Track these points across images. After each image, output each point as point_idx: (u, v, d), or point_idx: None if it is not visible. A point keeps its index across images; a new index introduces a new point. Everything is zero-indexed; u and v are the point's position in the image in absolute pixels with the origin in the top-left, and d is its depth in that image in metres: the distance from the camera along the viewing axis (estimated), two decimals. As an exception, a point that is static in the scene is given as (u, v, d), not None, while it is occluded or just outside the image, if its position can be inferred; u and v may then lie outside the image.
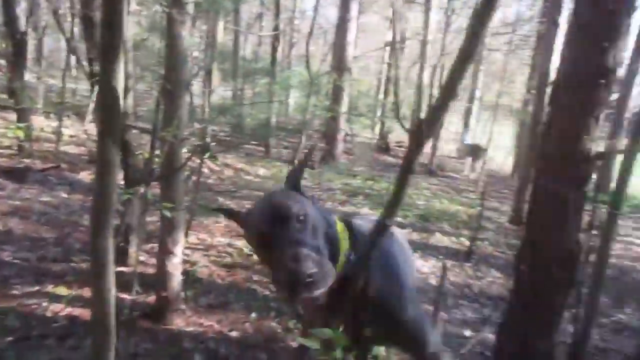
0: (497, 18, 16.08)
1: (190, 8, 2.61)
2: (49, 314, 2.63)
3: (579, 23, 2.18)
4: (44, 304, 2.70)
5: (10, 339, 2.35)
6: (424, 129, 1.26)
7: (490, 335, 3.04)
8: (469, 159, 11.94)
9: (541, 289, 2.49)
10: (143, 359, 2.41)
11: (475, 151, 11.34)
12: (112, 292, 1.14)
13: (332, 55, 8.80)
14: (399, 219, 5.90)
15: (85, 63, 8.17)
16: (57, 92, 9.53)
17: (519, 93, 15.27)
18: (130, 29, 2.88)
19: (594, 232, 3.51)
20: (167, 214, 2.30)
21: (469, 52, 1.19)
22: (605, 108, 2.22)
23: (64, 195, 4.40)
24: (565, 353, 3.30)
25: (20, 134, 4.69)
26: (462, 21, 12.10)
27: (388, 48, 14.45)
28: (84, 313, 2.69)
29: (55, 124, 6.93)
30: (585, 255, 3.49)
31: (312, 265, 1.17)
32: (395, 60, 10.12)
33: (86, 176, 4.99)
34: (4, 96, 8.51)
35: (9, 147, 5.28)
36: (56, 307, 2.70)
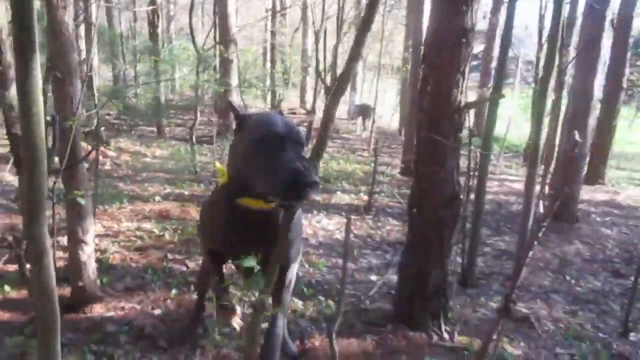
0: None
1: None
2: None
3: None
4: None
5: None
6: (340, 85, 1.47)
7: (393, 277, 3.39)
8: (360, 119, 12.49)
9: (431, 226, 2.85)
10: (68, 348, 2.43)
11: (365, 111, 11.87)
12: (53, 277, 1.21)
13: (215, 27, 8.65)
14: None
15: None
16: None
17: (398, 52, 16.07)
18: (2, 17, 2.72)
19: (472, 173, 4.00)
20: (82, 201, 2.30)
21: (369, 19, 1.40)
22: (468, 63, 2.57)
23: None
24: (457, 280, 3.80)
25: None
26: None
27: (270, 15, 14.42)
28: (-4, 315, 2.63)
29: None
30: (466, 194, 3.98)
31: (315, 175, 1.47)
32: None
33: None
34: None
35: None
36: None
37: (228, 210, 1.81)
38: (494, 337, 2.16)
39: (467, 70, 2.55)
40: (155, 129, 9.25)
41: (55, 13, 2.40)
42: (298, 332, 2.80)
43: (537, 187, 3.94)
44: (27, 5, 1.00)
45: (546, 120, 7.43)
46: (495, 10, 13.43)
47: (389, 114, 14.99)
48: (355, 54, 1.49)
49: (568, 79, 7.01)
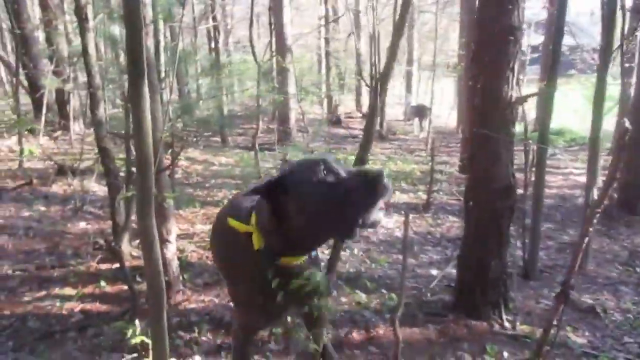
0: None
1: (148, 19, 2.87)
2: (64, 312, 2.90)
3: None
4: (58, 304, 2.97)
5: (35, 337, 2.62)
6: (381, 86, 1.64)
7: (453, 270, 3.50)
8: (416, 120, 12.51)
9: (487, 218, 2.94)
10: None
11: (421, 111, 11.89)
12: (160, 260, 1.47)
13: (272, 38, 9.03)
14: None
15: (22, 78, 8.10)
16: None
17: (452, 50, 15.93)
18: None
19: (530, 167, 4.04)
20: (170, 202, 2.61)
21: (402, 20, 1.58)
22: (517, 59, 2.67)
23: (42, 208, 4.58)
24: (518, 273, 3.85)
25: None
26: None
27: (323, 22, 14.72)
28: (95, 306, 2.99)
29: (9, 142, 6.95)
30: (524, 187, 4.02)
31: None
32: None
33: (59, 188, 5.15)
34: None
35: (-28, 173, 5.37)
36: (69, 305, 2.97)
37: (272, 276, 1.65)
38: (555, 323, 2.24)
39: (515, 66, 2.64)
40: (219, 139, 9.73)
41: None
42: (363, 322, 2.98)
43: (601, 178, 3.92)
44: (138, 40, 1.26)
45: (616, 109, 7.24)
46: (554, 1, 13.05)
47: (446, 112, 14.89)
48: (392, 57, 1.66)
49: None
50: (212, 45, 10.57)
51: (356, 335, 2.83)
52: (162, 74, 3.02)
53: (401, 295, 2.32)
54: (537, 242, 3.91)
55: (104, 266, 3.52)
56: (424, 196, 5.76)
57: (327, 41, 15.38)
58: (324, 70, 15.90)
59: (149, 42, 2.71)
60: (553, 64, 3.52)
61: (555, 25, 3.60)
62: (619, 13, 4.03)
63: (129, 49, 1.26)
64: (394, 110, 16.84)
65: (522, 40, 2.67)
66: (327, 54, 15.36)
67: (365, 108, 13.24)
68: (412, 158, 8.81)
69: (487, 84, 2.70)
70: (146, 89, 1.28)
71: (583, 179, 6.93)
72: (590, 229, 2.29)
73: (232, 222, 1.74)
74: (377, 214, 1.47)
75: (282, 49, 9.14)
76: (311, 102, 13.52)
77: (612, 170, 1.94)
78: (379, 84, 1.63)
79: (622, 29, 4.41)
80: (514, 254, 4.18)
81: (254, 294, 1.78)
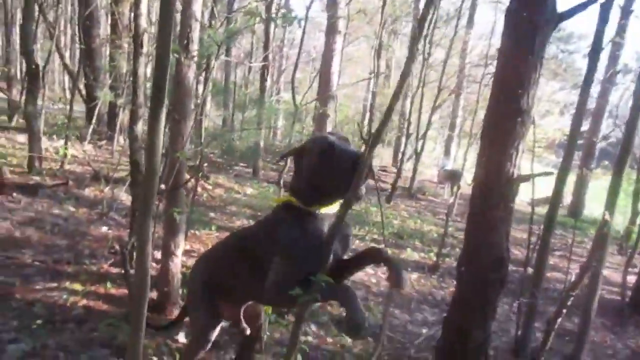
0: (478, 52, 17.03)
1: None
2: (68, 304, 3.13)
3: (499, 77, 2.80)
4: (64, 297, 3.21)
5: (39, 322, 2.85)
6: (375, 139, 1.84)
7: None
8: (448, 184, 12.58)
9: (477, 287, 3.03)
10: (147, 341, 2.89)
11: (453, 176, 11.97)
12: (149, 260, 1.67)
13: (318, 83, 9.44)
14: (374, 236, 6.45)
15: (81, 87, 8.71)
16: (51, 113, 10.06)
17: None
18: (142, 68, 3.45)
19: (533, 247, 4.10)
20: (178, 217, 2.84)
21: (399, 88, 1.79)
22: (523, 140, 2.83)
23: (72, 209, 4.90)
24: (510, 350, 3.87)
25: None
26: (440, 53, 12.90)
27: (372, 76, 15.18)
28: (98, 304, 3.20)
29: (57, 144, 7.44)
30: (524, 267, 4.09)
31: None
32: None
33: (90, 192, 5.50)
34: (5, 118, 9.03)
35: (19, 166, 5.78)
36: (73, 299, 3.20)
37: (310, 220, 1.96)
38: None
39: (520, 146, 2.80)
40: (251, 170, 10.07)
41: (182, 68, 3.03)
42: (343, 365, 3.08)
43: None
44: (164, 72, 1.50)
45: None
46: (603, 93, 13.19)
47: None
48: (385, 119, 1.91)
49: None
50: (261, 82, 11.09)
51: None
52: (198, 101, 3.30)
53: (380, 342, 2.44)
54: (531, 322, 3.92)
55: (114, 270, 3.75)
56: (434, 258, 5.83)
57: (373, 95, 15.82)
58: (366, 122, 16.27)
59: (190, 73, 3.02)
60: (568, 149, 3.66)
61: (574, 115, 3.75)
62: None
63: (155, 77, 1.50)
64: (430, 171, 16.97)
65: (529, 123, 2.84)
66: (372, 106, 15.75)
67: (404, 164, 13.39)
68: (433, 219, 8.87)
69: (491, 159, 2.85)
70: (162, 113, 1.52)
71: (604, 272, 6.88)
72: (562, 313, 2.38)
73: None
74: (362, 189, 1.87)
75: (325, 95, 9.52)
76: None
77: (588, 260, 2.06)
78: (371, 140, 1.83)
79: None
80: (509, 328, 4.20)
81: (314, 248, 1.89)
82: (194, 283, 2.38)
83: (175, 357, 2.75)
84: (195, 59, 2.93)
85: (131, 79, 8.26)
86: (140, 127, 3.64)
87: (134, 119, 3.48)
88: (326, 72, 9.83)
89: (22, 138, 7.61)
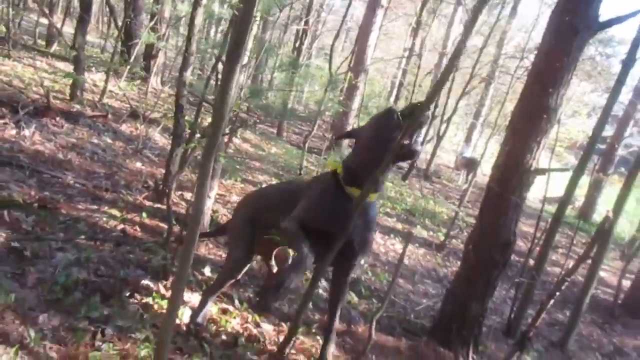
0: (515, 43, 16.84)
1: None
2: (107, 226, 3.43)
3: (534, 72, 2.98)
4: (104, 219, 3.50)
5: (82, 237, 3.15)
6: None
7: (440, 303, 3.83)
8: (464, 171, 12.72)
9: (481, 265, 3.29)
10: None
11: (470, 164, 12.08)
12: (206, 193, 1.92)
13: (352, 55, 9.52)
14: (387, 210, 6.71)
15: (119, 23, 8.88)
16: (89, 47, 10.27)
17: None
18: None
19: (537, 240, 4.32)
20: (222, 161, 3.10)
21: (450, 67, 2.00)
22: (545, 136, 3.02)
23: (109, 141, 5.19)
24: (501, 328, 4.14)
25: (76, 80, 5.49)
26: (477, 40, 12.84)
27: (406, 54, 15.15)
28: (134, 231, 3.50)
29: (94, 77, 7.71)
30: (526, 258, 4.32)
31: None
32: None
33: (127, 128, 5.78)
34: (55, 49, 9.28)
35: (61, 92, 6.06)
36: (112, 223, 3.50)
37: (338, 195, 2.31)
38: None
39: (542, 141, 3.00)
40: (275, 130, 10.30)
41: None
42: (347, 317, 3.37)
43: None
44: (245, 27, 1.72)
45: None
46: (634, 102, 13.05)
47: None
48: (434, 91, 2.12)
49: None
50: (297, 44, 11.19)
51: (338, 325, 3.22)
52: (246, 60, 3.51)
53: (384, 301, 2.71)
54: (526, 307, 4.18)
55: (147, 203, 4.05)
56: (442, 238, 6.08)
57: (404, 73, 15.81)
58: (392, 98, 16.33)
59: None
60: (586, 150, 3.83)
61: (599, 118, 3.91)
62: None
63: (235, 33, 1.72)
64: (448, 156, 17.09)
65: (555, 121, 3.02)
66: (401, 84, 15.77)
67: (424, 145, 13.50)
68: (445, 203, 9.08)
69: (513, 149, 3.06)
70: (238, 68, 1.74)
71: (604, 274, 7.11)
72: (555, 295, 2.62)
73: (328, 163, 2.66)
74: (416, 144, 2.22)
75: (357, 67, 9.62)
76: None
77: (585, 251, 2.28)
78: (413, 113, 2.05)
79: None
80: (504, 310, 4.46)
81: (322, 209, 2.32)
82: (238, 219, 2.68)
83: (202, 287, 3.04)
84: (258, 18, 3.13)
85: (176, 22, 8.40)
86: (188, 74, 3.86)
87: (185, 65, 3.70)
88: (362, 44, 9.88)
89: (62, 65, 7.90)
